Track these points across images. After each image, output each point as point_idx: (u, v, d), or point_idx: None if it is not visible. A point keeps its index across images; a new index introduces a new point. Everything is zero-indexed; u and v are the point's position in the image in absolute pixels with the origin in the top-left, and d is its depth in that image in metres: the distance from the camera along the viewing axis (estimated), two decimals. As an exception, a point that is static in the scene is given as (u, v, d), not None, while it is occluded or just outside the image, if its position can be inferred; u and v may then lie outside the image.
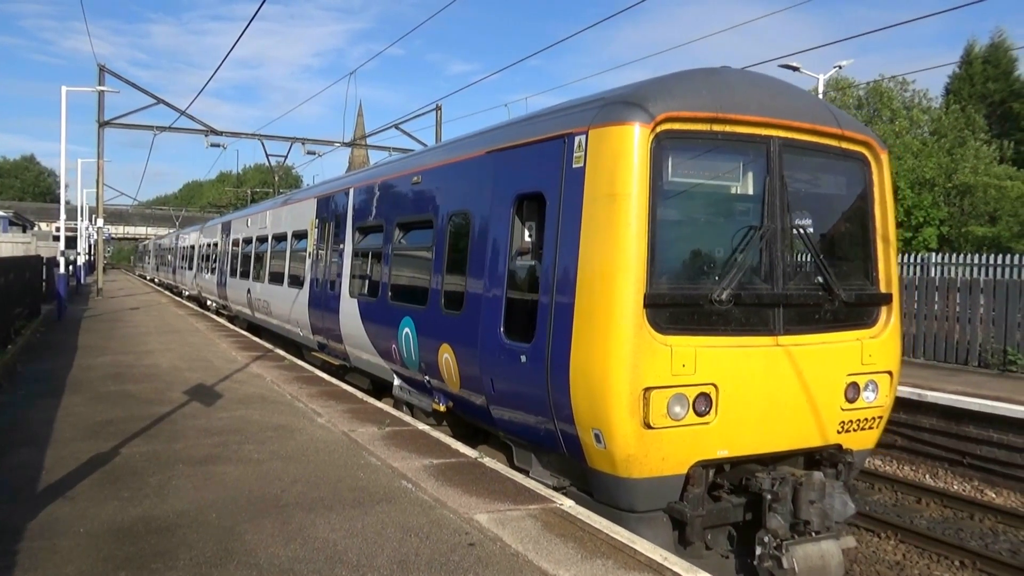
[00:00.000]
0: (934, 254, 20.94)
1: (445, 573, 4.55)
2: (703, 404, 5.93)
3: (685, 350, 5.82)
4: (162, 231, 73.40)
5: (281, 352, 14.76)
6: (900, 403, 12.55)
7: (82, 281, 45.22)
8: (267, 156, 35.91)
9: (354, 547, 4.93)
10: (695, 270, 6.42)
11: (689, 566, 4.77)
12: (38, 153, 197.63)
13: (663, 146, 6.01)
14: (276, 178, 40.75)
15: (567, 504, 5.94)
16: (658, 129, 5.95)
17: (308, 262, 13.88)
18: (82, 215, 55.47)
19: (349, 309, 11.38)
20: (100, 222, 32.13)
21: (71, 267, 36.07)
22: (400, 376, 9.93)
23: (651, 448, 5.87)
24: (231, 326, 20.14)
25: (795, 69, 19.92)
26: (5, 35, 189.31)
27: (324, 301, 12.67)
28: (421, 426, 8.54)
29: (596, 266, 5.92)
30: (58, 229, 30.10)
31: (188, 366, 12.62)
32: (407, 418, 8.98)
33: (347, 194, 12.26)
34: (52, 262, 28.01)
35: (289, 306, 14.92)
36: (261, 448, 7.39)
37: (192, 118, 30.53)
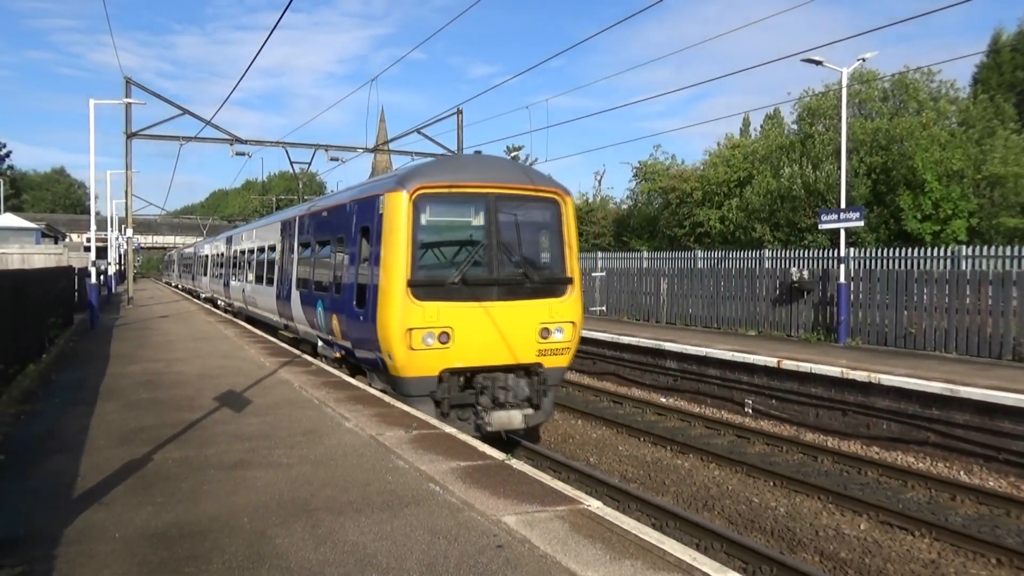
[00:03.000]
0: (964, 247, 20.51)
1: (474, 575, 4.57)
2: (444, 338, 10.53)
3: (432, 309, 10.48)
4: (190, 240, 74.47)
5: (308, 357, 14.91)
6: (932, 399, 12.37)
7: (113, 291, 45.92)
8: (291, 163, 36.23)
9: (383, 550, 4.97)
10: (439, 267, 11.10)
11: (719, 566, 4.74)
12: (68, 165, 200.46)
13: (417, 203, 10.71)
14: (300, 185, 41.15)
15: (595, 505, 5.93)
16: (414, 195, 10.66)
17: (276, 267, 18.91)
18: (112, 226, 56.42)
19: (296, 299, 16.27)
20: (129, 232, 32.64)
21: (102, 277, 36.63)
22: (320, 339, 14.57)
23: (415, 361, 10.52)
24: (258, 331, 20.36)
25: (818, 63, 19.57)
26: (35, 50, 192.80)
27: (284, 294, 17.60)
28: (448, 429, 8.61)
29: (387, 266, 10.62)
30: (89, 240, 30.65)
31: (218, 372, 12.80)
32: (434, 421, 9.08)
33: (295, 220, 17.32)
34: (84, 272, 28.51)
35: (266, 300, 20.00)
36: (291, 452, 7.47)
37: (217, 128, 30.83)
